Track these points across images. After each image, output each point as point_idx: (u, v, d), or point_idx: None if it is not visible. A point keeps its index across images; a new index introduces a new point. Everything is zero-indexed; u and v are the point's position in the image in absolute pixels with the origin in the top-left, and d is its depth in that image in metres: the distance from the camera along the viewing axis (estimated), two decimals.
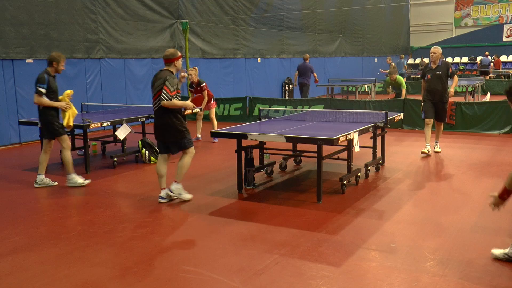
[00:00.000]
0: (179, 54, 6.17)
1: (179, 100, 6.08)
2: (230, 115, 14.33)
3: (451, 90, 8.74)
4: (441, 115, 8.87)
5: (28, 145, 11.19)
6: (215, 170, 8.07)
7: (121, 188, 7.13)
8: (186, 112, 6.24)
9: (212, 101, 10.95)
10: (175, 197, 6.27)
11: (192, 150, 6.22)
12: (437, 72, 8.59)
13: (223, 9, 16.96)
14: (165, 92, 5.87)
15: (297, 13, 20.71)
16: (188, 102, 6.19)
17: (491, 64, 23.52)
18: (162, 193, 6.26)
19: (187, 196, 6.29)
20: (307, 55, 16.76)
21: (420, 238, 4.87)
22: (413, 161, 8.40)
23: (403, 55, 23.01)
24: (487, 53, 23.22)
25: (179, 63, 6.13)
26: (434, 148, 9.08)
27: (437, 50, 8.70)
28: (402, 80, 14.51)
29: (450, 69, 8.67)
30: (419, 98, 10.00)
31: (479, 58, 23.82)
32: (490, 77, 22.94)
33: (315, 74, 16.19)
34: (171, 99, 5.87)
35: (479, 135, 11.08)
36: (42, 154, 7.21)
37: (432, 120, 8.78)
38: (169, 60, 6.07)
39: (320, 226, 5.25)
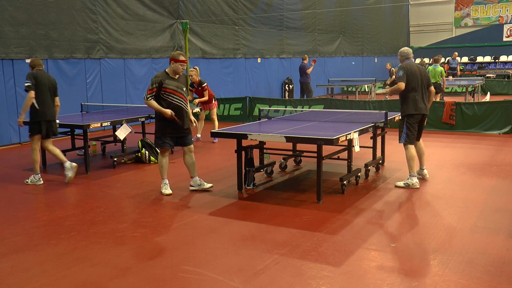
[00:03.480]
0: (177, 58, 6.39)
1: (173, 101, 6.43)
2: (230, 115, 14.33)
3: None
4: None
5: (28, 145, 11.17)
6: (215, 170, 8.07)
7: (121, 188, 7.13)
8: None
9: (213, 101, 10.96)
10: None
11: (160, 151, 6.62)
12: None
13: (223, 9, 16.96)
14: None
15: (297, 13, 20.71)
16: (166, 110, 6.34)
17: (458, 66, 22.92)
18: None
19: (164, 191, 6.65)
20: (305, 55, 17.41)
21: (420, 238, 4.87)
22: None
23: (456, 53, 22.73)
24: (456, 53, 22.81)
25: (175, 65, 6.40)
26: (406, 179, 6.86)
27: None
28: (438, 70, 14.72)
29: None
30: None
31: (447, 59, 23.32)
32: (489, 77, 22.83)
33: (308, 71, 16.71)
34: (146, 98, 6.38)
35: (479, 135, 11.08)
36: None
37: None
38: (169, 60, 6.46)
39: (320, 226, 5.25)
